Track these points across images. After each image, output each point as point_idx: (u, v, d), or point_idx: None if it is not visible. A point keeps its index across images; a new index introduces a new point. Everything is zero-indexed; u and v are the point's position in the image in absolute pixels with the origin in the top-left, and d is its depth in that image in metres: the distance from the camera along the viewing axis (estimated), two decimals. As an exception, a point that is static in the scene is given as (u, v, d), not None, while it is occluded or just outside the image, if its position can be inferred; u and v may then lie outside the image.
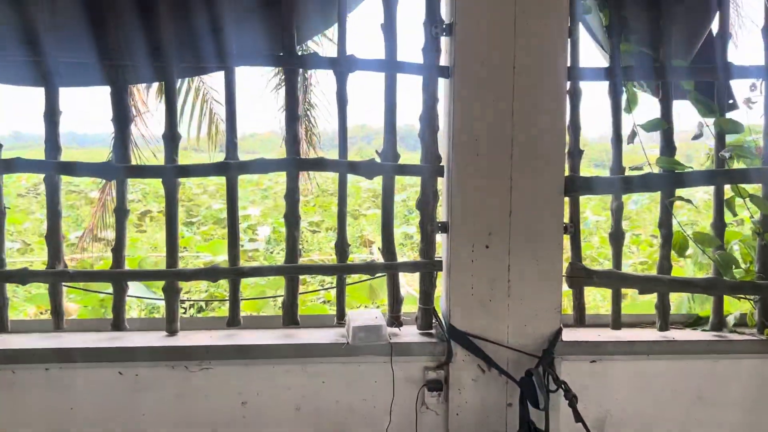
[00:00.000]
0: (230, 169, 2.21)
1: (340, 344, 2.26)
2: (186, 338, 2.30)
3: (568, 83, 2.27)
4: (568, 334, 2.37)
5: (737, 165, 2.37)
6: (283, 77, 2.25)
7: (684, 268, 5.12)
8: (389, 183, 2.31)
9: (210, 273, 2.29)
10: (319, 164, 2.28)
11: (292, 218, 2.26)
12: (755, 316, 2.43)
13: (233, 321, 2.31)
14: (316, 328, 2.42)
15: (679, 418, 2.40)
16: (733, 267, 2.36)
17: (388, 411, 2.29)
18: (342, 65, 2.23)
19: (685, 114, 2.46)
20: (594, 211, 11.26)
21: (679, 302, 3.29)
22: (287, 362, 2.27)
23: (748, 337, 2.40)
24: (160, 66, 2.15)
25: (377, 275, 2.41)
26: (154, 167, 2.27)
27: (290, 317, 2.31)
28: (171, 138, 2.20)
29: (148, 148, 5.14)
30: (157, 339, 2.29)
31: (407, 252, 8.36)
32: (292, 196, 2.25)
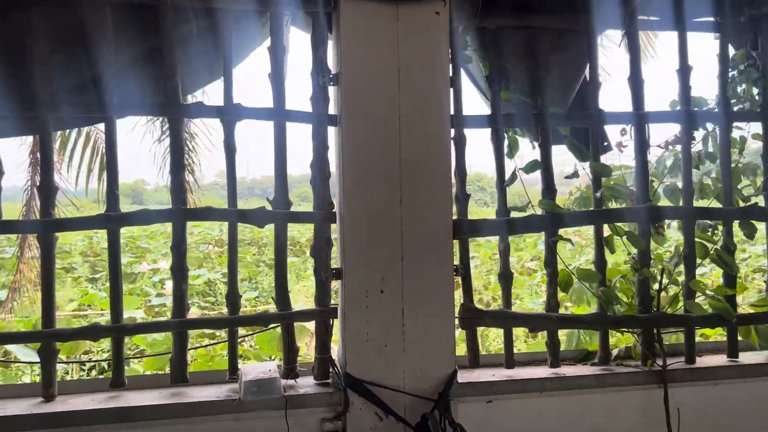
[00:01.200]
0: (111, 221, 2.13)
1: (231, 401, 2.18)
2: (64, 403, 2.15)
3: (453, 131, 2.35)
4: (464, 375, 2.39)
5: (613, 205, 2.51)
6: (168, 126, 2.20)
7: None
8: (281, 231, 2.29)
9: (90, 332, 2.17)
10: (207, 214, 2.24)
11: (179, 271, 2.19)
12: (638, 349, 2.54)
13: (117, 381, 2.19)
14: (208, 384, 2.33)
15: (574, 453, 2.45)
16: (615, 302, 2.47)
17: (284, 469, 2.21)
18: (229, 114, 2.22)
19: (570, 157, 2.61)
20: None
21: (570, 335, 3.39)
22: (175, 423, 2.15)
23: (632, 369, 2.51)
24: (34, 117, 2.06)
25: (271, 326, 2.35)
26: (26, 222, 2.15)
27: (179, 374, 2.21)
28: (46, 189, 2.10)
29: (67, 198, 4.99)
30: (30, 406, 2.13)
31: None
32: (178, 247, 2.19)
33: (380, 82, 2.22)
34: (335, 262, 2.34)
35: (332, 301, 2.35)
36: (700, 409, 2.50)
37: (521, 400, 2.41)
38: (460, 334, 2.55)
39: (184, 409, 2.15)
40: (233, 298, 2.26)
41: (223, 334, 2.42)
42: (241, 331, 2.39)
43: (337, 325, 2.35)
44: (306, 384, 2.33)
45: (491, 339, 7.03)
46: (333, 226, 2.33)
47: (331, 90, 2.31)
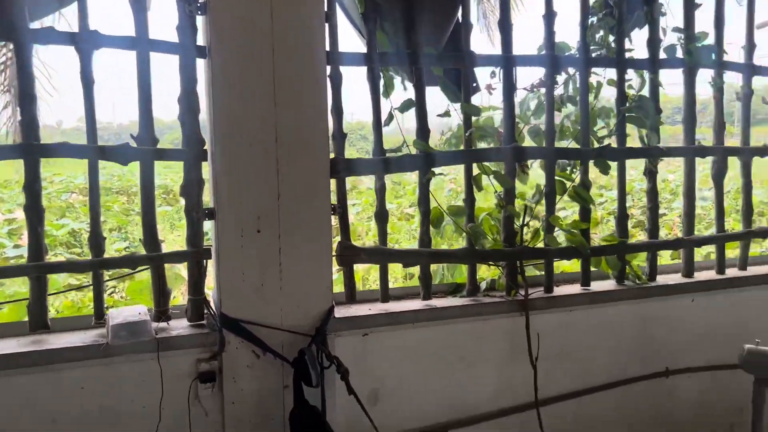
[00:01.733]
0: (-50, 157, 1.92)
1: (98, 345, 2.08)
2: None
3: (329, 68, 2.32)
4: (341, 311, 2.44)
5: (482, 145, 2.62)
6: (14, 53, 2.00)
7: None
8: (148, 169, 2.18)
9: (-69, 279, 1.97)
10: (63, 150, 2.07)
11: (33, 212, 2.03)
12: (503, 280, 2.71)
13: (-33, 332, 2.02)
14: (72, 331, 2.21)
15: (445, 379, 2.60)
16: (483, 238, 2.61)
17: (158, 410, 2.17)
18: (85, 41, 2.04)
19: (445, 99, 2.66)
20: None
21: (435, 272, 3.55)
22: (35, 371, 2.04)
23: (498, 299, 2.68)
24: None
25: (140, 269, 2.26)
26: None
27: (38, 320, 2.08)
28: None
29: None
30: None
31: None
32: (31, 187, 2.02)
33: (252, 13, 2.13)
34: (209, 203, 2.28)
35: (207, 243, 2.30)
36: (557, 332, 2.74)
37: (395, 332, 2.51)
38: (339, 277, 2.60)
39: (46, 356, 2.03)
40: (96, 240, 2.14)
41: (88, 280, 2.30)
42: (111, 281, 2.28)
43: (211, 266, 2.30)
44: (179, 326, 2.28)
45: (371, 282, 7.21)
46: (205, 164, 2.26)
47: (200, 20, 2.19)
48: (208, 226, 2.30)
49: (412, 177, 5.92)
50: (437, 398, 2.59)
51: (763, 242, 3.60)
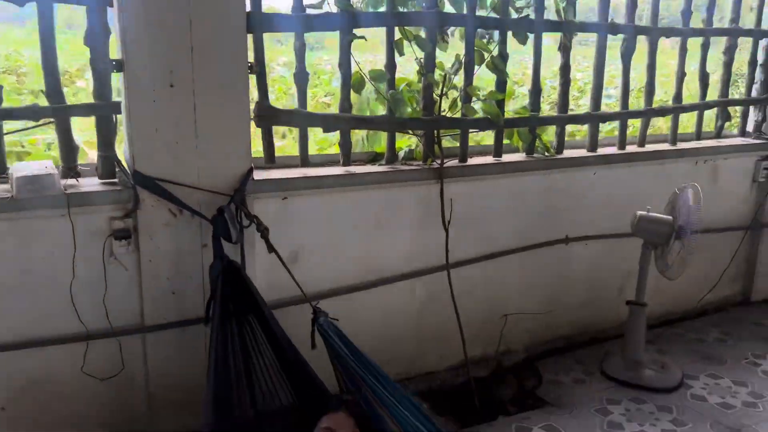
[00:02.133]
0: None
1: (2, 200, 1.98)
2: None
3: None
4: (260, 174, 2.43)
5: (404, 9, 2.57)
6: None
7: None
8: (46, 10, 2.00)
9: None
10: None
11: None
12: (420, 149, 2.77)
13: None
14: (-29, 186, 2.09)
15: (362, 242, 2.68)
16: (403, 105, 2.62)
17: (71, 267, 2.12)
18: None
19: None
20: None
21: (355, 142, 3.57)
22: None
23: (415, 167, 2.74)
24: None
25: (43, 121, 2.13)
26: None
27: (-68, 173, 1.95)
28: None
29: None
30: None
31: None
32: None
33: None
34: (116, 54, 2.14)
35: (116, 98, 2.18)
36: (469, 200, 2.86)
37: (315, 197, 2.54)
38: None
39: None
40: (-6, 88, 1.98)
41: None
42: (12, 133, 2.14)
43: (121, 121, 2.20)
44: (90, 184, 2.20)
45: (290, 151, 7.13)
46: (111, 10, 2.10)
47: None
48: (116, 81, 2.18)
49: (328, 66, 5.79)
50: (354, 261, 2.68)
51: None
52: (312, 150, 2.73)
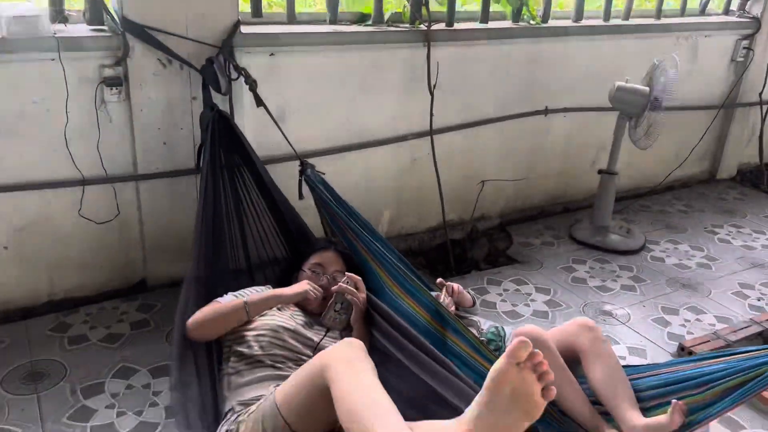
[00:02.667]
0: None
1: (-8, 39, 1.99)
2: None
3: None
4: (248, 29, 2.43)
5: None
6: None
7: None
8: None
9: None
10: None
11: None
12: (407, 11, 2.77)
13: None
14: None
15: (347, 104, 2.74)
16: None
17: (64, 112, 2.17)
18: None
19: None
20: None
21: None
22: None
23: (402, 29, 2.75)
24: None
25: (27, -39, 2.09)
26: None
27: None
28: None
29: None
30: None
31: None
32: None
33: None
34: None
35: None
36: (455, 65, 2.90)
37: (303, 54, 2.56)
38: None
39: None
40: None
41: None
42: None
43: (107, -34, 2.17)
44: (78, 30, 2.20)
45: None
46: None
47: None
48: None
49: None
50: (339, 121, 2.75)
51: None
52: (300, 8, 2.71)
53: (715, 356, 1.64)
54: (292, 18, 2.55)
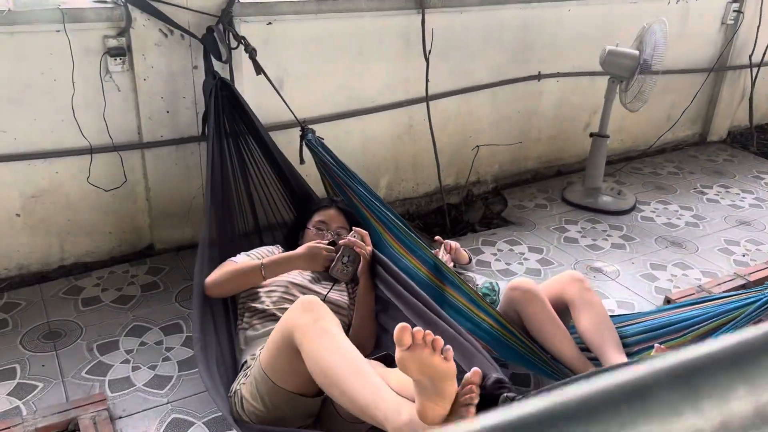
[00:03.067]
0: None
1: (0, 11, 2.05)
2: None
3: None
4: (246, -2, 2.48)
5: None
6: None
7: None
8: None
9: None
10: None
11: None
12: (402, -22, 2.82)
13: None
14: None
15: (345, 71, 2.80)
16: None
17: (70, 82, 2.24)
18: None
19: None
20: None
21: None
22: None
23: (398, -6, 2.81)
24: None
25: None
26: None
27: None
28: None
29: None
30: None
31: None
32: None
33: None
34: None
35: None
36: (449, 32, 2.96)
37: (299, 23, 2.62)
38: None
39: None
40: None
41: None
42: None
43: (107, -63, 2.22)
44: (82, 1, 2.25)
45: None
46: None
47: None
48: None
49: None
50: (337, 89, 2.82)
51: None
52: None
53: (694, 302, 1.74)
54: (288, -13, 2.60)
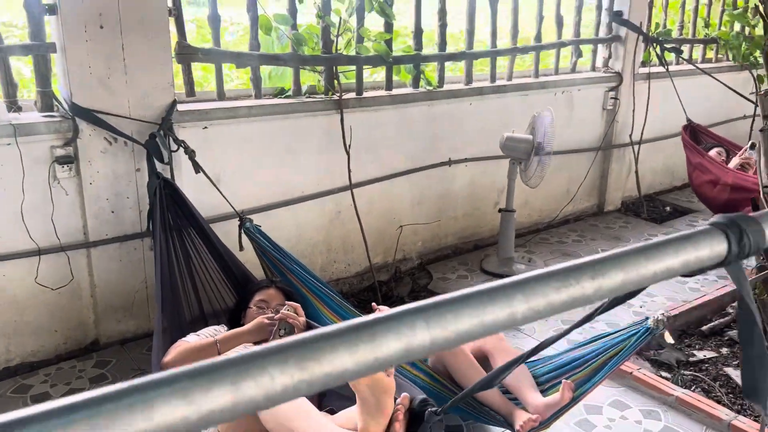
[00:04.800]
0: None
1: (-45, 128, 2.24)
2: None
3: None
4: (183, 106, 2.77)
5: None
6: None
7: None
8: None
9: None
10: None
11: None
12: (322, 84, 3.20)
13: None
14: None
15: (276, 167, 3.10)
16: (304, 44, 3.03)
17: (20, 190, 2.41)
18: None
19: None
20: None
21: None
22: None
23: (318, 99, 3.17)
24: None
25: (-16, 60, 2.37)
26: None
27: None
28: None
29: None
30: None
31: None
32: None
33: None
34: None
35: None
36: (366, 128, 3.33)
37: (232, 125, 2.92)
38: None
39: None
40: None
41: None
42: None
43: (56, 60, 2.48)
44: (31, 117, 2.48)
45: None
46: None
47: None
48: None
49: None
50: (269, 183, 3.10)
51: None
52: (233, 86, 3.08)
53: (591, 340, 2.05)
54: (221, 95, 2.92)
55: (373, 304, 2.60)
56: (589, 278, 0.61)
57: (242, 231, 2.60)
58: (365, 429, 1.46)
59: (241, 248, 2.63)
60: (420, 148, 3.62)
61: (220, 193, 2.63)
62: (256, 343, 2.19)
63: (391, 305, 3.35)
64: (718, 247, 0.69)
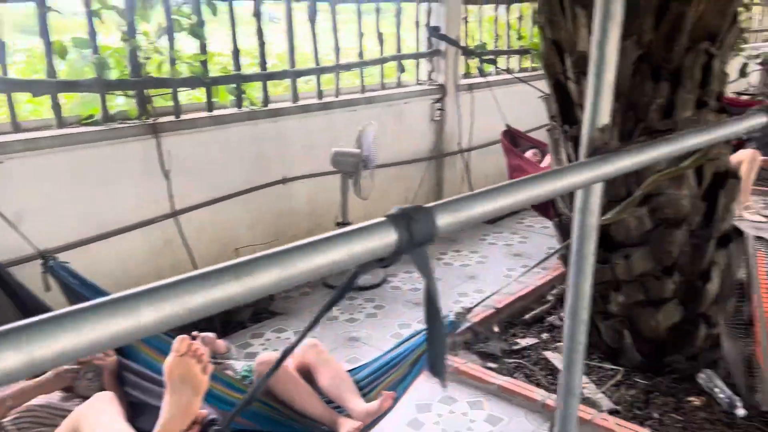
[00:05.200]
0: None
1: None
2: None
3: None
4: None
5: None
6: None
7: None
8: None
9: None
10: None
11: None
12: (135, 108, 3.07)
13: None
14: None
15: (87, 198, 2.92)
16: (109, 68, 2.90)
17: None
18: None
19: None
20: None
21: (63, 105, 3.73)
22: None
23: (130, 124, 3.04)
24: None
25: None
26: None
27: None
28: None
29: None
30: None
31: None
32: None
33: None
34: None
35: None
36: (188, 151, 3.24)
37: (34, 158, 2.72)
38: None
39: None
40: None
41: None
42: None
43: None
44: None
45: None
46: None
47: None
48: None
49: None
50: (81, 216, 2.91)
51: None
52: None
53: (402, 342, 2.12)
54: (17, 127, 2.71)
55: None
56: (233, 278, 0.62)
57: (46, 270, 2.42)
58: (168, 421, 1.48)
59: (47, 288, 2.44)
60: (248, 168, 3.58)
61: (19, 232, 2.42)
62: (65, 389, 2.04)
63: (231, 330, 3.27)
64: (387, 238, 0.74)
